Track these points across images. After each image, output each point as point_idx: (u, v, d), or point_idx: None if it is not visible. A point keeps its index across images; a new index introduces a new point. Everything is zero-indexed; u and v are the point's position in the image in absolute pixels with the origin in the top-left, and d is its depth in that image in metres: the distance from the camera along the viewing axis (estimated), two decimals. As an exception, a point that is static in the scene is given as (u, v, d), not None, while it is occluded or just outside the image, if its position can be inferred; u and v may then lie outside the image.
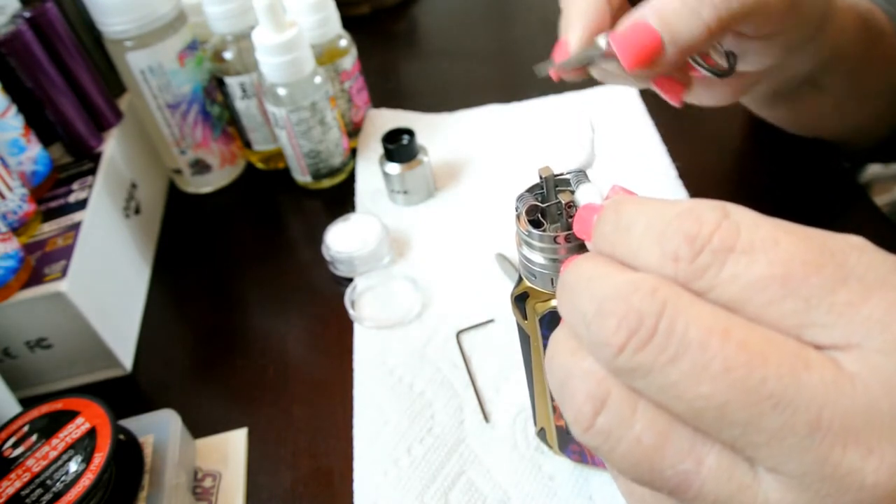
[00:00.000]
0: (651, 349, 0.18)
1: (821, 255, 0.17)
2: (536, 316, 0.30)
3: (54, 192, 0.52)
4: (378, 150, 0.59)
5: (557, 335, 0.22)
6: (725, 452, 0.18)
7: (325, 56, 0.59)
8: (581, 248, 0.27)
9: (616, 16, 0.36)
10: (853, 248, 0.18)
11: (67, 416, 0.37)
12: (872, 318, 0.17)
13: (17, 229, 0.47)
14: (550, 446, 0.38)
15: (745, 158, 0.57)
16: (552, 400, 0.34)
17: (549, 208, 0.27)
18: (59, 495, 0.33)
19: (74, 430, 0.36)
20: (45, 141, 0.53)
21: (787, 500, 0.17)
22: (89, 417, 0.36)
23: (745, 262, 0.18)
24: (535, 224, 0.27)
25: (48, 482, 0.34)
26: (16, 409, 0.43)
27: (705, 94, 0.41)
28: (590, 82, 0.64)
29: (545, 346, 0.31)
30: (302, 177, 0.61)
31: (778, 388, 0.17)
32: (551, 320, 0.29)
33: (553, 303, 0.29)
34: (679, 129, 0.59)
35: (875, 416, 0.16)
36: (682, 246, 0.18)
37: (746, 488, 0.18)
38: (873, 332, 0.17)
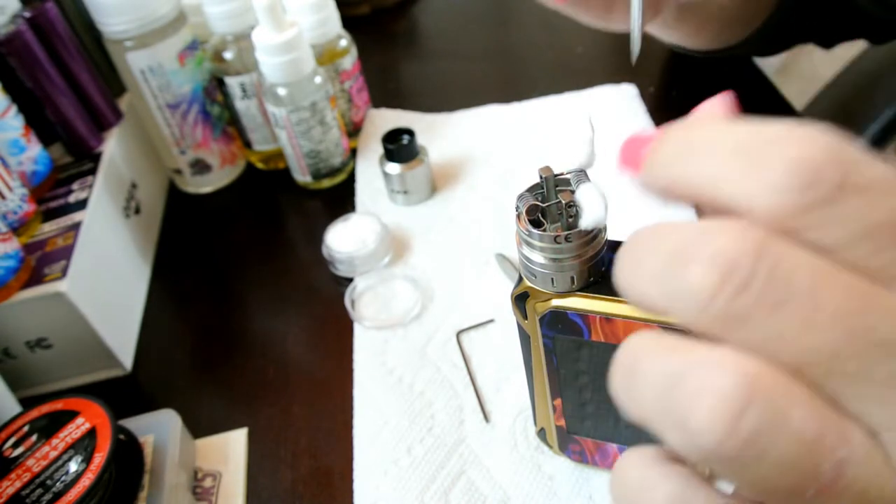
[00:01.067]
0: (752, 293, 0.15)
1: None
2: (536, 316, 0.30)
3: (54, 192, 0.52)
4: (378, 150, 0.59)
5: (634, 342, 0.18)
6: (861, 426, 0.16)
7: (325, 56, 0.59)
8: (582, 246, 0.27)
9: None
10: None
11: (67, 416, 0.37)
12: None
13: (17, 229, 0.47)
14: (550, 446, 0.38)
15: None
16: (552, 399, 0.34)
17: (550, 208, 0.27)
18: (59, 495, 0.33)
19: (74, 430, 0.36)
20: (45, 141, 0.53)
21: None
22: (89, 417, 0.36)
23: (863, 203, 0.16)
24: (536, 224, 0.27)
25: (48, 482, 0.34)
26: (16, 409, 0.43)
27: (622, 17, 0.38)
28: (590, 83, 0.64)
29: (545, 346, 0.31)
30: (302, 177, 0.61)
31: (887, 335, 0.15)
32: (551, 320, 0.29)
33: (553, 302, 0.29)
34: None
35: None
36: (787, 175, 0.16)
37: (885, 463, 0.16)
38: None
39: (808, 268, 0.16)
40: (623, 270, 0.18)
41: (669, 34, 0.58)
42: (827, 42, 0.59)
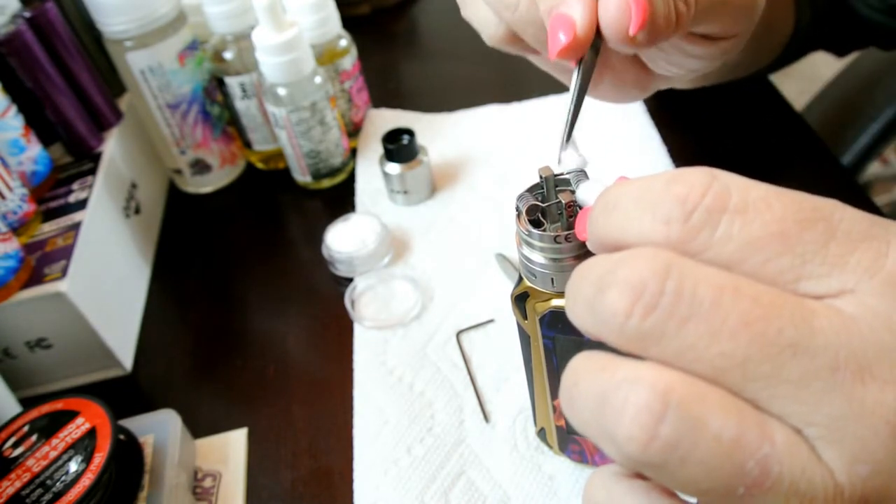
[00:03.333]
0: (661, 311, 0.17)
1: (812, 212, 0.18)
2: (536, 316, 0.30)
3: (54, 192, 0.52)
4: (378, 150, 0.59)
5: (575, 362, 0.20)
6: (783, 425, 0.17)
7: (325, 56, 0.59)
8: (581, 246, 0.27)
9: None
10: (835, 206, 0.19)
11: (67, 416, 0.37)
12: (861, 266, 0.18)
13: (17, 229, 0.47)
14: (550, 446, 0.38)
15: (745, 159, 0.57)
16: (552, 399, 0.34)
17: (550, 208, 0.27)
18: (59, 495, 0.33)
19: (74, 430, 0.36)
20: (45, 141, 0.53)
21: (837, 459, 0.17)
22: (89, 417, 0.36)
23: (740, 221, 0.18)
24: (536, 224, 0.27)
25: (48, 482, 0.34)
26: (16, 409, 0.43)
27: (612, 91, 0.38)
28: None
29: (545, 346, 0.31)
30: (302, 177, 0.61)
31: (795, 336, 0.17)
32: (551, 320, 0.29)
33: (553, 302, 0.29)
34: (679, 128, 0.59)
35: (882, 350, 0.17)
36: (673, 209, 0.18)
37: (810, 458, 0.17)
38: (864, 278, 0.18)
39: (710, 282, 0.17)
40: (567, 303, 0.20)
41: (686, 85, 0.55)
42: (840, 51, 0.60)
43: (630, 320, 0.18)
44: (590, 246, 0.22)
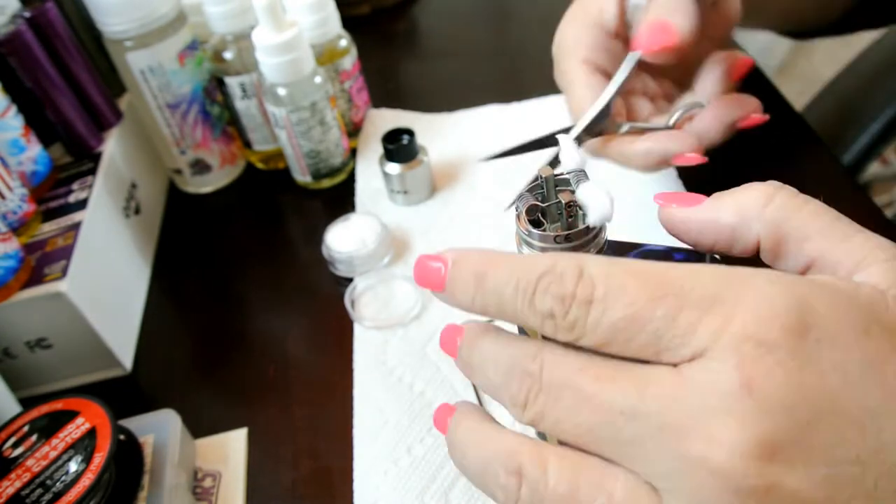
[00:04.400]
0: (541, 398, 0.22)
1: (661, 288, 0.20)
2: (536, 316, 0.30)
3: (54, 192, 0.52)
4: (378, 150, 0.59)
5: (459, 435, 0.24)
6: (630, 479, 0.21)
7: (325, 56, 0.59)
8: (581, 247, 0.27)
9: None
10: (688, 274, 0.21)
11: (67, 416, 0.37)
12: (708, 332, 0.20)
13: (17, 229, 0.47)
14: (550, 446, 0.38)
15: (745, 158, 0.57)
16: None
17: (549, 208, 0.27)
18: (59, 495, 0.33)
19: (74, 430, 0.36)
20: (45, 141, 0.53)
21: None
22: (89, 417, 0.36)
23: (601, 309, 0.21)
24: (535, 224, 0.27)
25: (48, 482, 0.34)
26: (16, 409, 0.43)
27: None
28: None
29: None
30: (302, 177, 0.61)
31: (625, 403, 0.20)
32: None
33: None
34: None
35: (706, 410, 0.19)
36: (554, 306, 0.21)
37: None
38: (710, 343, 0.20)
39: (568, 368, 0.22)
40: (471, 377, 0.26)
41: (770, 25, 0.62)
42: None
43: (525, 409, 0.22)
44: (451, 303, 0.25)
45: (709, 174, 0.57)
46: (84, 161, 0.55)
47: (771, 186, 0.24)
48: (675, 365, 0.20)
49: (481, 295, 0.23)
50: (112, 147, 0.56)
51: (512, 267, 0.22)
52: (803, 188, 0.25)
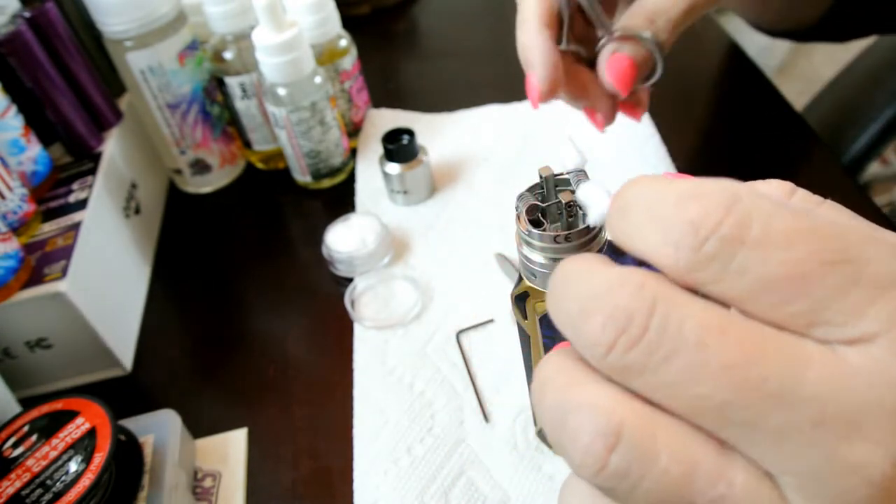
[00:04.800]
0: (643, 347, 0.17)
1: (839, 253, 0.17)
2: (536, 315, 0.30)
3: (54, 192, 0.52)
4: (378, 150, 0.59)
5: (545, 369, 0.20)
6: (749, 467, 0.17)
7: (325, 56, 0.59)
8: (581, 247, 0.27)
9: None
10: (866, 243, 0.17)
11: (67, 416, 0.37)
12: (881, 317, 0.16)
13: (17, 229, 0.47)
14: (550, 446, 0.38)
15: (745, 159, 0.57)
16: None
17: (550, 208, 0.27)
18: (59, 495, 0.33)
19: (74, 430, 0.36)
20: (45, 141, 0.53)
21: None
22: (89, 417, 0.36)
23: (758, 258, 0.17)
24: (536, 223, 0.27)
25: (48, 482, 0.34)
26: (16, 409, 0.43)
27: None
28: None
29: (545, 346, 0.31)
30: (302, 177, 0.61)
31: (778, 385, 0.16)
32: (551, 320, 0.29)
33: (553, 302, 0.29)
34: (679, 128, 0.59)
35: (878, 410, 0.16)
36: (684, 234, 0.17)
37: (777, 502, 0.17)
38: (881, 330, 0.16)
39: (698, 321, 0.17)
40: (549, 303, 0.20)
41: (740, 8, 0.60)
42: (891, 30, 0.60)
43: (612, 353, 0.17)
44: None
45: (709, 174, 0.57)
46: (84, 161, 0.55)
47: (788, 184, 0.21)
48: (823, 342, 0.17)
49: (616, 214, 0.19)
50: (112, 147, 0.56)
51: (654, 184, 0.19)
52: (804, 188, 0.25)
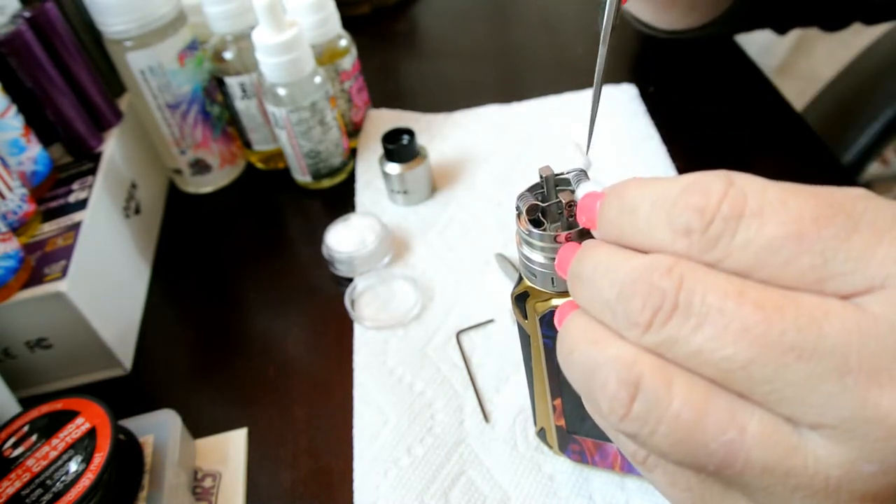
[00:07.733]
0: (675, 321, 0.18)
1: (829, 207, 0.18)
2: (536, 315, 0.30)
3: (54, 192, 0.52)
4: (378, 150, 0.59)
5: (572, 329, 0.22)
6: (767, 416, 0.18)
7: (325, 56, 0.59)
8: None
9: None
10: (858, 197, 0.18)
11: (67, 416, 0.37)
12: (889, 259, 0.17)
13: (17, 229, 0.47)
14: (550, 446, 0.38)
15: (745, 159, 0.57)
16: (552, 399, 0.34)
17: (550, 208, 0.27)
18: (59, 495, 0.33)
19: (74, 430, 0.36)
20: (45, 141, 0.53)
21: (836, 455, 0.17)
22: (89, 417, 0.36)
23: (756, 225, 0.18)
24: (536, 223, 0.27)
25: (48, 482, 0.34)
26: (16, 409, 0.43)
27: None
28: (590, 83, 0.64)
29: (545, 345, 0.31)
30: (302, 177, 0.61)
31: (798, 339, 0.17)
32: (552, 320, 0.29)
33: (554, 302, 0.29)
34: (679, 128, 0.59)
35: None
36: (692, 219, 0.19)
37: (794, 450, 0.17)
38: (893, 272, 0.17)
39: (718, 291, 0.18)
40: (578, 290, 0.22)
41: (642, 8, 0.60)
42: (782, 27, 0.60)
43: (649, 331, 0.19)
44: (599, 237, 0.22)
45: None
46: (84, 161, 0.55)
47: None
48: (841, 297, 0.17)
49: (617, 212, 0.21)
50: (112, 147, 0.56)
51: (657, 183, 0.20)
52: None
